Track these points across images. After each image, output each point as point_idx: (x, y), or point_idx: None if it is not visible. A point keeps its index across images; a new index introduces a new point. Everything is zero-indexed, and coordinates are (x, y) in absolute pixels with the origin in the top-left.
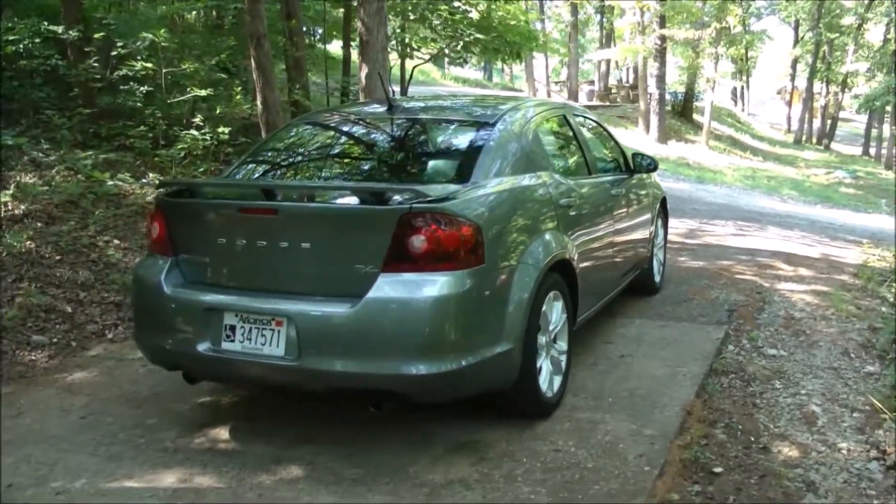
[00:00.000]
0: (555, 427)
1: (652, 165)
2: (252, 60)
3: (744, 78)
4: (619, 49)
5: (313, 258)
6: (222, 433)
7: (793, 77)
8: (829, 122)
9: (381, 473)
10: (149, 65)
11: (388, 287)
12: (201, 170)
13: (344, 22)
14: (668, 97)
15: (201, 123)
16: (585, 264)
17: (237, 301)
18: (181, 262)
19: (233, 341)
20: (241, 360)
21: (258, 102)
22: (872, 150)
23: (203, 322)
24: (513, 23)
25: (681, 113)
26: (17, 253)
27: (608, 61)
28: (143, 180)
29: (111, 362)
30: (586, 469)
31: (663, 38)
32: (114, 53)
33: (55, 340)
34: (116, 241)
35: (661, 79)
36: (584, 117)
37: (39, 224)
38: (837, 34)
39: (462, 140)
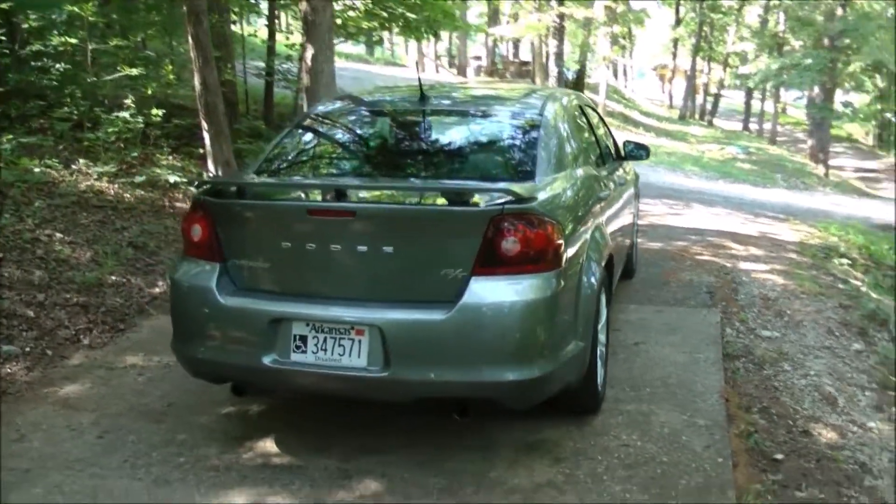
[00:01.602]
0: (609, 421)
1: (644, 154)
2: (189, 38)
3: (627, 56)
4: (524, 25)
5: (396, 263)
6: (269, 446)
7: (674, 55)
8: (711, 98)
9: (463, 482)
10: (73, 40)
11: (482, 291)
12: (134, 154)
13: None
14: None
15: (132, 105)
16: (615, 255)
17: (308, 310)
18: (231, 267)
19: (304, 352)
20: (314, 372)
21: (196, 83)
22: (752, 126)
23: (268, 333)
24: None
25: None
26: None
27: (495, 38)
28: (73, 167)
29: (101, 371)
30: (663, 463)
31: (562, 16)
32: (25, 26)
33: (27, 350)
34: (59, 235)
35: (559, 56)
36: (590, 105)
37: None
38: (720, 14)
39: (512, 134)
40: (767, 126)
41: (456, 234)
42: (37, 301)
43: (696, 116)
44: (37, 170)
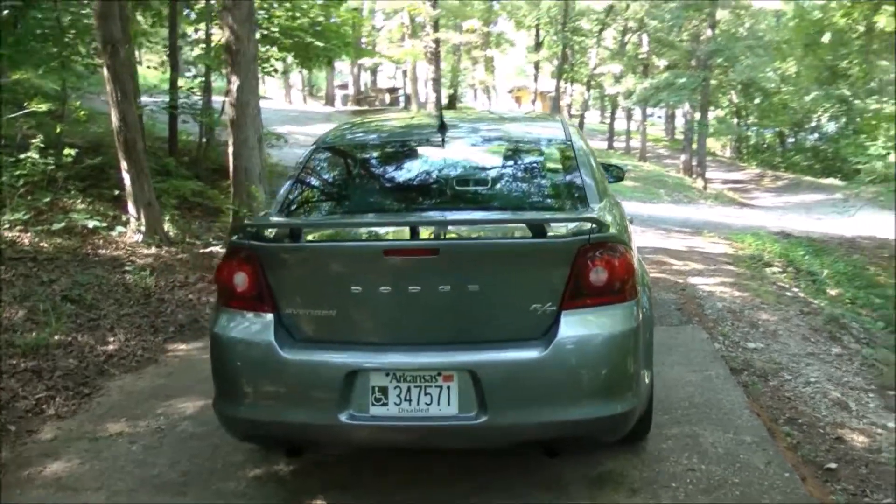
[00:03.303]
0: (660, 446)
1: (620, 175)
2: (105, 70)
3: (492, 79)
4: (402, 51)
5: (483, 301)
6: None
7: (536, 77)
8: (577, 119)
9: None
10: None
11: (574, 326)
12: (46, 200)
13: (170, 27)
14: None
15: (42, 145)
16: None
17: (387, 359)
18: (286, 317)
19: (385, 405)
20: (398, 425)
21: (114, 119)
22: (616, 144)
23: (343, 387)
24: (342, 29)
25: None
26: None
27: (359, 65)
28: None
29: (84, 444)
30: (737, 485)
31: (437, 41)
32: None
33: None
34: None
35: (437, 81)
36: None
37: None
38: (583, 37)
39: (550, 161)
40: (634, 143)
41: (542, 266)
42: None
43: None
44: None
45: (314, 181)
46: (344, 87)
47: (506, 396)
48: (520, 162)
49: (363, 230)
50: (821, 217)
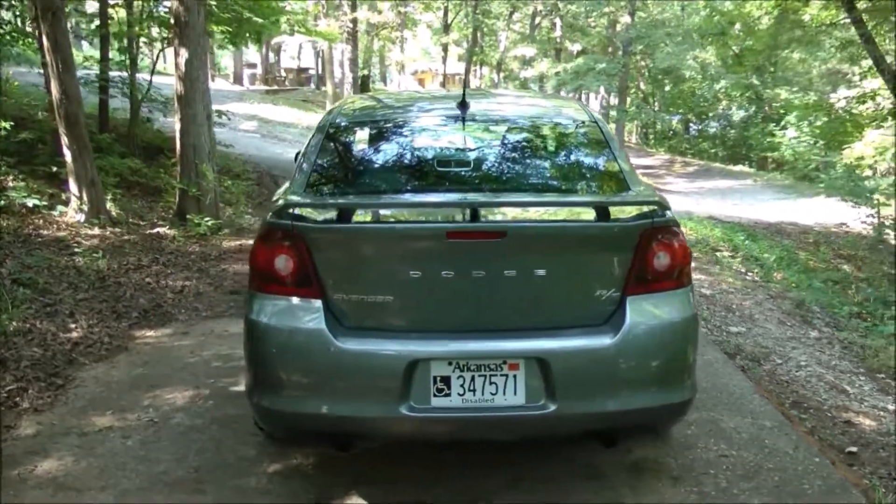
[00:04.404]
0: (684, 432)
1: None
2: (45, 39)
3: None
4: (322, 31)
5: (548, 287)
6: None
7: (444, 60)
8: None
9: None
10: None
11: (641, 311)
12: None
13: None
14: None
15: None
16: None
17: (450, 347)
18: (335, 304)
19: (447, 395)
20: (461, 416)
21: (54, 91)
22: None
23: (403, 377)
24: (277, 4)
25: None
26: None
27: (268, 45)
28: None
29: (73, 439)
30: (773, 470)
31: (355, 21)
32: None
33: None
34: None
35: (354, 62)
36: None
37: None
38: (494, 20)
39: (582, 143)
40: None
41: (607, 250)
42: None
43: None
44: None
45: (338, 157)
46: (252, 66)
47: (576, 385)
48: (560, 143)
49: (424, 211)
50: (736, 203)
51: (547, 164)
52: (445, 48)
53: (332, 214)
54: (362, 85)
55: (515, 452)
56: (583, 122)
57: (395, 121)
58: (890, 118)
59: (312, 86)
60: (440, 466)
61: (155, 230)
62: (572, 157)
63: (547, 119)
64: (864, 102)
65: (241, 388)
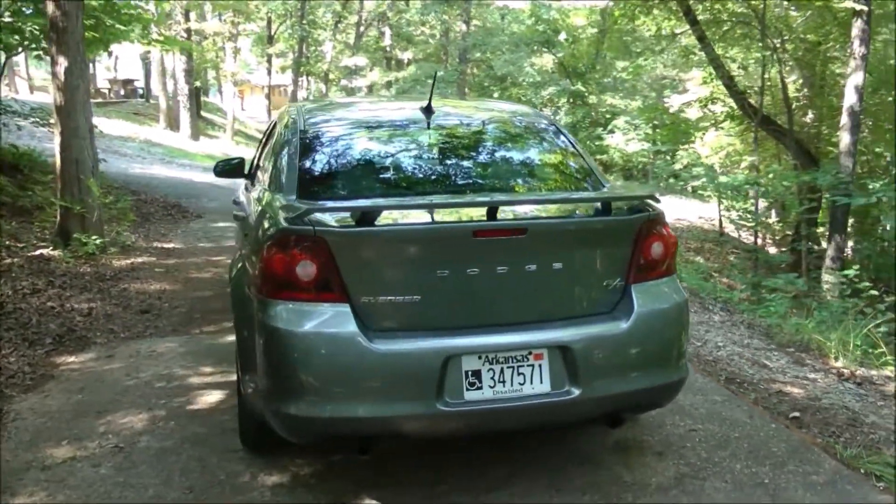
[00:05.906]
0: (651, 413)
1: None
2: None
3: (245, 71)
4: (179, 40)
5: (564, 278)
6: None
7: (269, 71)
8: None
9: (609, 493)
10: None
11: (645, 298)
12: None
13: None
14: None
15: None
16: None
17: (479, 341)
18: (360, 307)
19: (479, 389)
20: (493, 408)
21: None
22: None
23: (440, 374)
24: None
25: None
26: None
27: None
28: None
29: (38, 474)
30: (741, 438)
31: (189, 31)
32: None
33: None
34: None
35: (189, 73)
36: None
37: None
38: (320, 30)
39: (551, 145)
40: None
41: (611, 243)
42: None
43: None
44: None
45: (332, 162)
46: None
47: (596, 370)
48: (521, 147)
49: (447, 212)
50: None
51: (538, 167)
52: (270, 59)
53: (355, 218)
54: (196, 98)
55: (513, 447)
56: (552, 130)
57: (370, 122)
58: (729, 120)
59: (140, 98)
60: (443, 465)
61: (38, 252)
62: (555, 160)
63: (513, 125)
64: (705, 105)
65: (199, 406)
